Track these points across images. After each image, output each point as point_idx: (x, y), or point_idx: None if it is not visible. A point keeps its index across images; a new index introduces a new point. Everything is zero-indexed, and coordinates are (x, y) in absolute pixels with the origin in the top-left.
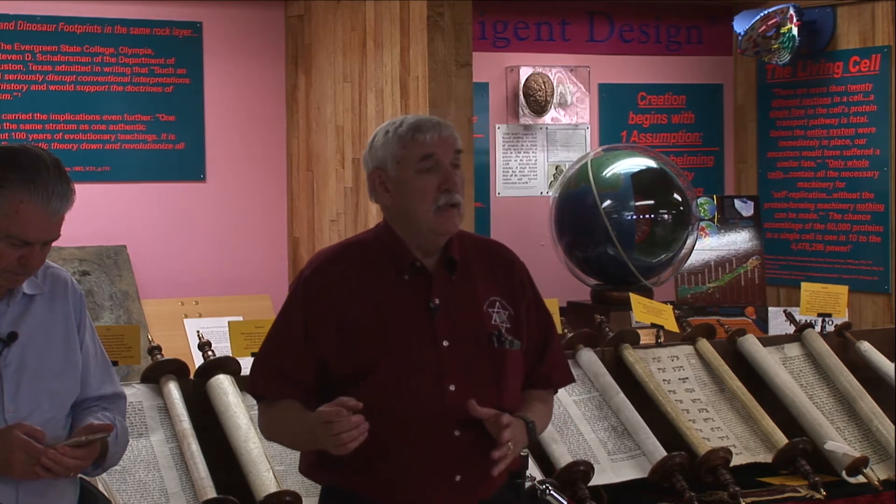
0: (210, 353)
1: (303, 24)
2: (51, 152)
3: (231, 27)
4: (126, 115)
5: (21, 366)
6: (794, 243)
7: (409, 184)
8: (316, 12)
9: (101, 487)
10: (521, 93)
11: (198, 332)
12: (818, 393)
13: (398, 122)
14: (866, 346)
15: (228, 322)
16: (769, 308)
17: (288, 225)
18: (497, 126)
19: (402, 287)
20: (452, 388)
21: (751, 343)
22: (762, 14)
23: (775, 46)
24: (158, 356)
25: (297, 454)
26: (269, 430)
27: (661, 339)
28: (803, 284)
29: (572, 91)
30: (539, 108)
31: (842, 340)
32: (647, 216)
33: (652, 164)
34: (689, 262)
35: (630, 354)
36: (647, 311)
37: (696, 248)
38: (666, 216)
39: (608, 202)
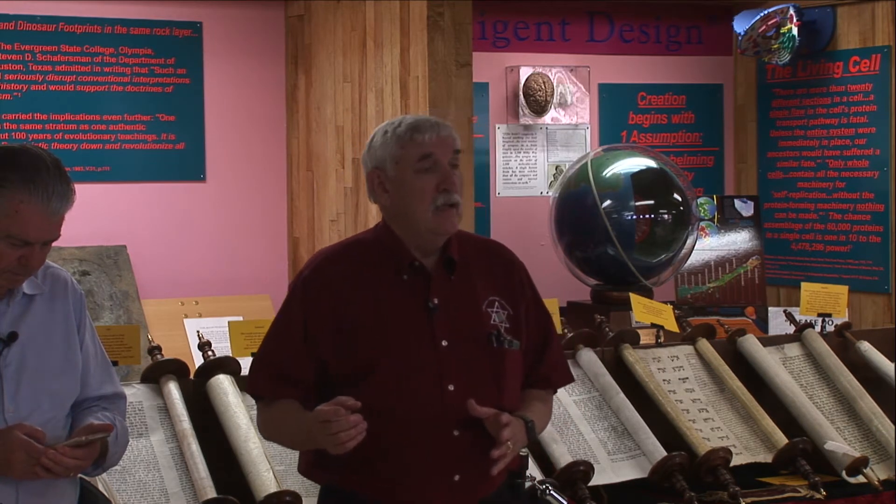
0: (210, 353)
1: (303, 24)
2: (51, 152)
3: (231, 27)
4: (126, 115)
5: (21, 366)
6: (794, 243)
7: (407, 184)
8: (316, 12)
9: (101, 487)
10: (521, 93)
11: (198, 332)
12: (818, 393)
13: (397, 122)
14: (866, 346)
15: (228, 322)
16: (769, 308)
17: (288, 225)
18: (497, 126)
19: (401, 287)
20: (451, 387)
21: (751, 343)
22: (762, 14)
23: (775, 46)
24: (158, 356)
25: (297, 454)
26: (268, 429)
27: (661, 339)
28: (803, 284)
29: (572, 91)
30: (539, 108)
31: (842, 340)
32: (647, 216)
33: (652, 164)
34: (689, 262)
35: (630, 354)
36: (647, 311)
37: (696, 248)
38: (666, 216)
39: (608, 202)
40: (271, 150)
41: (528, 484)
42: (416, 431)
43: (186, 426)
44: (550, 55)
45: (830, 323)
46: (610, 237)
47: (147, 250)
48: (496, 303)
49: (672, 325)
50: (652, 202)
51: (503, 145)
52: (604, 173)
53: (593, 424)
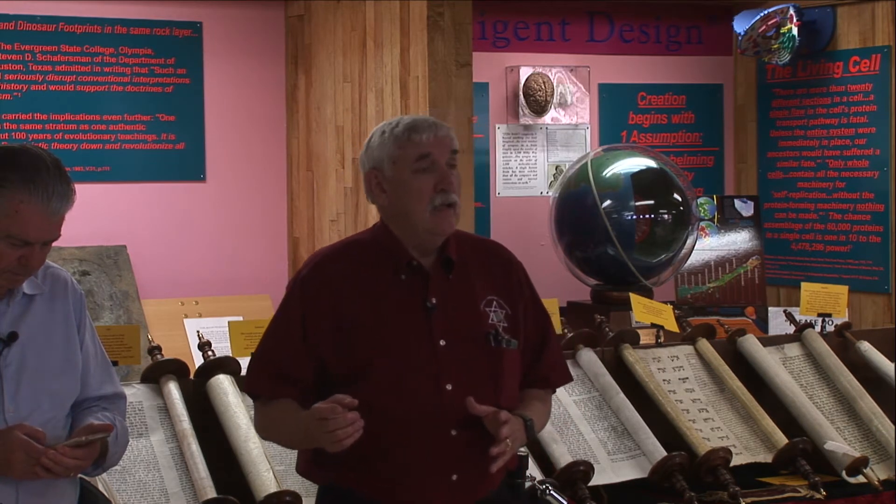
0: (210, 353)
1: (303, 24)
2: (51, 152)
3: (231, 27)
4: (126, 115)
5: (21, 366)
6: (794, 243)
7: (405, 184)
8: (316, 12)
9: (101, 487)
10: (521, 93)
11: (198, 332)
12: (818, 393)
13: (394, 122)
14: (866, 346)
15: (228, 322)
16: (769, 308)
17: (288, 225)
18: (497, 126)
19: (400, 286)
20: (449, 387)
21: (751, 343)
22: (762, 14)
23: (775, 46)
24: (158, 356)
25: (297, 454)
26: (265, 428)
27: (661, 339)
28: (803, 284)
29: (572, 91)
30: (539, 108)
31: (842, 340)
32: (647, 216)
33: (652, 164)
34: (689, 262)
35: (630, 354)
36: (647, 311)
37: (696, 248)
38: (666, 216)
39: (608, 202)
40: (271, 150)
41: (528, 484)
42: (415, 431)
43: (186, 426)
44: (550, 55)
45: (830, 323)
46: (610, 237)
47: (147, 250)
48: (494, 302)
49: (672, 325)
50: (652, 202)
51: (503, 145)
52: (604, 173)
53: (593, 424)
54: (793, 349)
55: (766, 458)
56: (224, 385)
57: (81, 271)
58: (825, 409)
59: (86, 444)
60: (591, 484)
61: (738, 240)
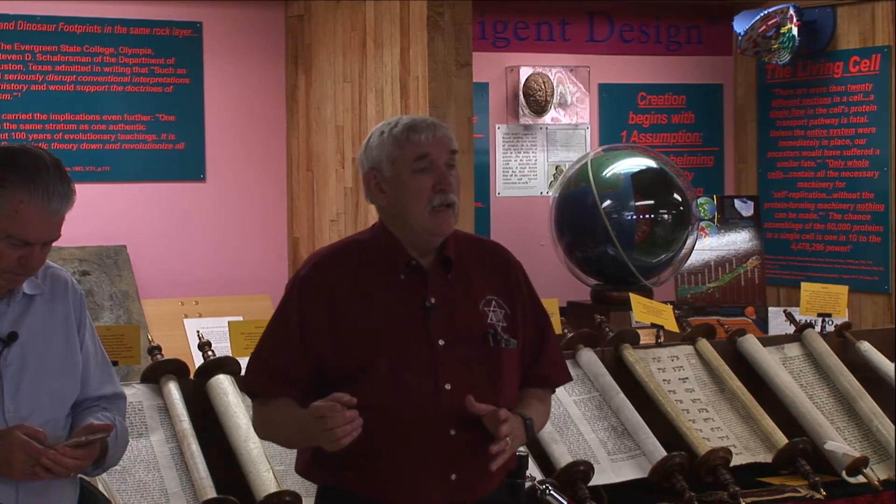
0: (210, 353)
1: (303, 24)
2: (51, 152)
3: (231, 27)
4: (126, 115)
5: (21, 366)
6: (794, 243)
7: (403, 184)
8: (316, 12)
9: (101, 487)
10: (521, 93)
11: (198, 332)
12: (818, 393)
13: (393, 122)
14: (866, 346)
15: (228, 322)
16: (769, 308)
17: (288, 225)
18: (497, 126)
19: (398, 286)
20: (448, 387)
21: (751, 343)
22: (762, 14)
23: (775, 46)
24: (158, 356)
25: (297, 454)
26: (263, 427)
27: (661, 339)
28: (803, 284)
29: (572, 91)
30: (539, 108)
31: (842, 340)
32: (647, 216)
33: (652, 164)
34: (689, 262)
35: (630, 354)
36: (647, 311)
37: (696, 248)
38: (666, 216)
39: (608, 202)
40: (271, 150)
41: (527, 484)
42: (413, 431)
43: (186, 426)
44: (550, 55)
45: (830, 323)
46: (610, 237)
47: (147, 250)
48: (493, 302)
49: (672, 325)
50: (652, 202)
51: (503, 145)
52: (604, 173)
53: (593, 424)
54: (793, 349)
55: (766, 458)
56: (224, 385)
57: (81, 271)
58: (825, 409)
59: (86, 444)
60: (591, 484)
61: (738, 240)
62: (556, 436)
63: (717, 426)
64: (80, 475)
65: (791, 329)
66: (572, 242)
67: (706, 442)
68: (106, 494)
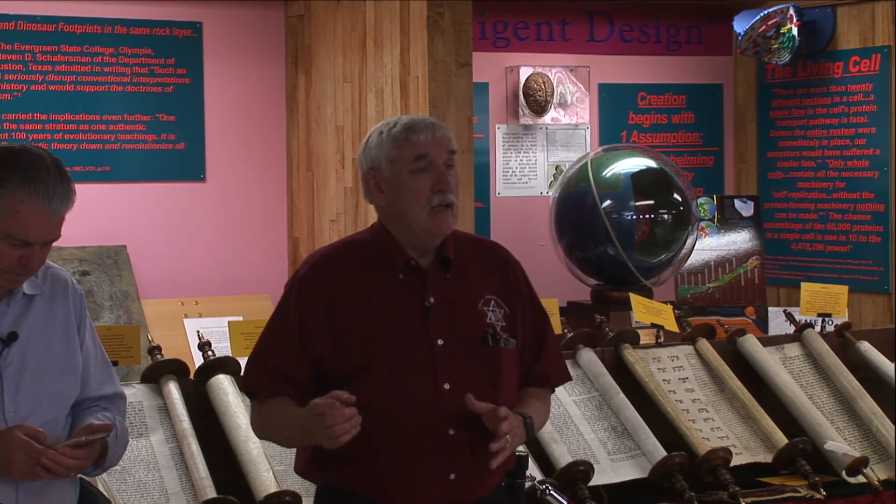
0: (210, 353)
1: (303, 24)
2: (51, 152)
3: (231, 27)
4: (126, 115)
5: (21, 366)
6: (794, 243)
7: (402, 184)
8: (316, 12)
9: (101, 487)
10: (521, 93)
11: (198, 332)
12: (818, 393)
13: (392, 122)
14: (866, 346)
15: (228, 322)
16: (769, 308)
17: (288, 225)
18: (497, 126)
19: (397, 286)
20: (447, 386)
21: (751, 343)
22: (762, 14)
23: (775, 46)
24: (158, 356)
25: (296, 454)
26: (262, 427)
27: (661, 339)
28: (803, 284)
29: (572, 91)
30: (539, 108)
31: (842, 340)
32: (647, 216)
33: (652, 164)
34: (689, 262)
35: (630, 354)
36: (647, 311)
37: (696, 248)
38: (666, 216)
39: (608, 202)
40: (271, 150)
41: (527, 484)
42: (412, 430)
43: (186, 426)
44: (550, 55)
45: (830, 323)
46: (610, 237)
47: (147, 250)
48: (492, 301)
49: (672, 325)
50: (652, 202)
51: (503, 145)
52: (604, 173)
53: (593, 424)
54: (793, 349)
55: (766, 458)
56: (224, 385)
57: (81, 271)
58: (825, 409)
59: (86, 444)
60: (591, 484)
61: (738, 240)
62: (556, 436)
63: (717, 426)
64: (80, 475)
65: (791, 329)
66: (572, 242)
67: (706, 442)
68: (106, 494)
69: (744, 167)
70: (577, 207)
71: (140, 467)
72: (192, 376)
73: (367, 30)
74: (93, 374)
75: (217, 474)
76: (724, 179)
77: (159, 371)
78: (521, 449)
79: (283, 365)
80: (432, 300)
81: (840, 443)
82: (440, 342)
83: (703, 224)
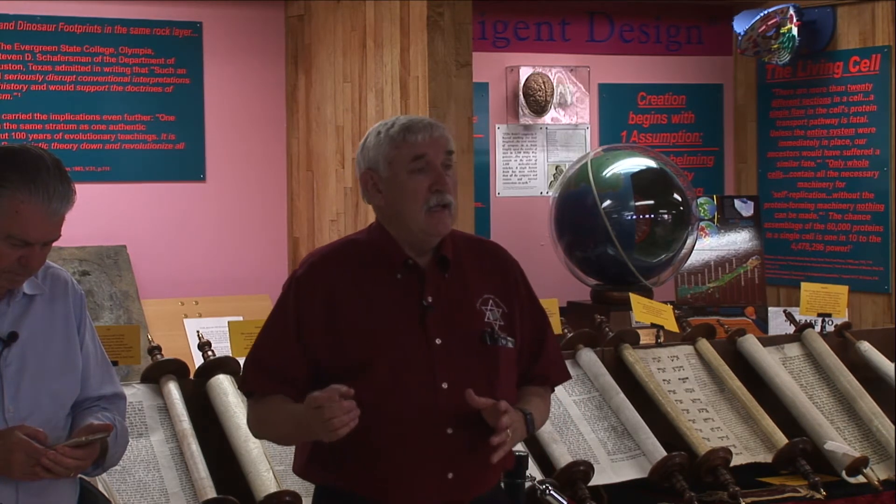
0: (210, 353)
1: (303, 24)
2: (51, 152)
3: (231, 27)
4: (126, 115)
5: (21, 366)
6: (794, 243)
7: (400, 184)
8: (316, 12)
9: (101, 487)
10: (521, 93)
11: (198, 332)
12: (818, 393)
13: (390, 122)
14: (866, 346)
15: (228, 322)
16: (769, 308)
17: (288, 225)
18: (497, 126)
19: (396, 285)
20: (445, 385)
21: (751, 343)
22: (762, 14)
23: (775, 46)
24: (158, 356)
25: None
26: (258, 425)
27: (661, 339)
28: (803, 284)
29: (572, 91)
30: (539, 108)
31: (842, 340)
32: (647, 216)
33: (652, 164)
34: (689, 262)
35: (630, 354)
36: (647, 311)
37: (696, 248)
38: (666, 216)
39: (608, 202)
40: (271, 150)
41: (527, 484)
42: (410, 429)
43: (186, 426)
44: (550, 55)
45: (830, 323)
46: (610, 237)
47: (147, 250)
48: (490, 301)
49: (672, 325)
50: (652, 202)
51: (503, 145)
52: (604, 173)
53: (593, 424)
54: (793, 349)
55: (766, 458)
56: (224, 385)
57: (81, 271)
58: (825, 409)
59: (86, 444)
60: (591, 484)
61: (738, 240)
62: (556, 436)
63: (717, 426)
64: (80, 475)
65: (791, 329)
66: (572, 242)
67: (706, 442)
68: (106, 494)
69: (744, 167)
70: (577, 207)
71: (140, 467)
72: (192, 376)
73: (367, 30)
74: (93, 374)
75: (217, 474)
76: (724, 179)
77: (159, 371)
78: (521, 449)
79: (280, 364)
80: (430, 299)
81: (840, 443)
82: (438, 341)
83: (703, 224)
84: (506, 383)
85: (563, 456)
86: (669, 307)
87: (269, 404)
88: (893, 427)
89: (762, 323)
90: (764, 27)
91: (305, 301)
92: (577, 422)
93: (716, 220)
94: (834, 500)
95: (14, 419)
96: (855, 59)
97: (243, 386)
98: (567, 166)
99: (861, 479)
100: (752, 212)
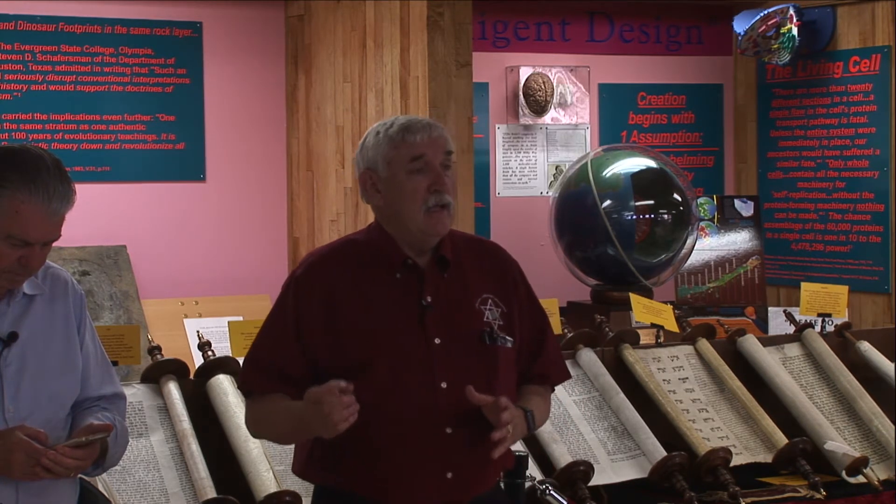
0: (210, 353)
1: (303, 24)
2: (51, 152)
3: (231, 27)
4: (126, 115)
5: (21, 366)
6: (794, 243)
7: (399, 185)
8: (316, 12)
9: (101, 487)
10: (521, 93)
11: (198, 332)
12: (818, 393)
13: (389, 123)
14: (866, 346)
15: (228, 322)
16: (769, 308)
17: (288, 225)
18: (497, 126)
19: (395, 285)
20: (444, 385)
21: (751, 343)
22: (762, 14)
23: (775, 46)
24: (158, 356)
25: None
26: (255, 424)
27: (661, 339)
28: (803, 284)
29: (572, 91)
30: (539, 108)
31: (842, 340)
32: (647, 216)
33: (652, 164)
34: (689, 262)
35: (630, 354)
36: (647, 311)
37: (696, 248)
38: (666, 216)
39: (608, 202)
40: (271, 150)
41: (527, 484)
42: (409, 429)
43: (186, 426)
44: (550, 55)
45: (830, 323)
46: (610, 237)
47: (147, 250)
48: (489, 300)
49: (672, 325)
50: (652, 202)
51: (503, 145)
52: (604, 173)
53: (593, 424)
54: (793, 349)
55: (766, 458)
56: (224, 385)
57: (81, 271)
58: (825, 409)
59: (86, 445)
60: (591, 484)
61: (738, 240)
62: (556, 436)
63: (717, 426)
64: (80, 475)
65: (791, 329)
66: (572, 242)
67: (706, 442)
68: (106, 494)
69: (744, 167)
70: (577, 207)
71: (140, 467)
72: (192, 376)
73: (367, 30)
74: (93, 374)
75: (217, 474)
76: (724, 179)
77: (159, 371)
78: (521, 449)
79: (279, 363)
80: (429, 299)
81: (840, 443)
82: (437, 341)
83: (703, 224)
84: (505, 383)
85: (563, 456)
86: (669, 307)
87: (267, 403)
88: (893, 427)
89: (762, 323)
90: (764, 27)
91: (305, 301)
92: (577, 422)
93: (716, 220)
94: (834, 500)
95: (14, 419)
96: (855, 59)
97: (242, 385)
98: (567, 166)
99: (861, 479)
100: (752, 212)
